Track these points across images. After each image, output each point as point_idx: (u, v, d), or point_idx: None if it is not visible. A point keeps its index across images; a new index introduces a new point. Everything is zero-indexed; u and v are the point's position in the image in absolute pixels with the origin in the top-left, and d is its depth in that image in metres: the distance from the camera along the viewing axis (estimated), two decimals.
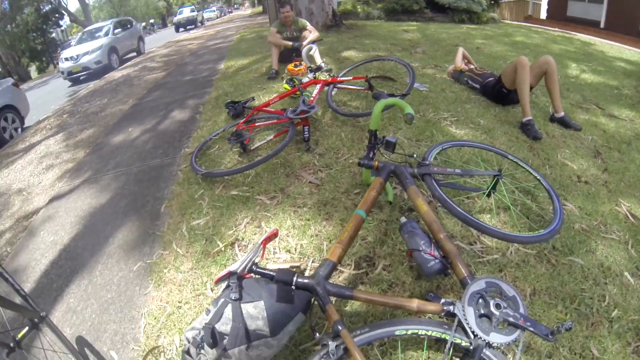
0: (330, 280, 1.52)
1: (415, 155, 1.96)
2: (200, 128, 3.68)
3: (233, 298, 1.35)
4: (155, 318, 1.85)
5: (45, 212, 3.15)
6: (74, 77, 11.25)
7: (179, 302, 1.88)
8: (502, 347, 1.53)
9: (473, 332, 1.27)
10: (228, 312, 1.34)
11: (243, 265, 1.44)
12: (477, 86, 3.77)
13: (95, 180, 3.42)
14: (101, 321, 1.96)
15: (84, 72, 10.99)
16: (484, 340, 1.25)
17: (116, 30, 12.09)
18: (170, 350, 1.68)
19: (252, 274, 1.46)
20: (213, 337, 1.27)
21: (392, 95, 2.68)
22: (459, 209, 1.76)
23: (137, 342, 1.78)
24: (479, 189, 2.18)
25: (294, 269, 1.79)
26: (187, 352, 1.40)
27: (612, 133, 3.21)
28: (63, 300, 2.15)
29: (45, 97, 10.49)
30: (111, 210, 2.87)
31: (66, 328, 1.96)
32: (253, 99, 3.55)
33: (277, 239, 2.03)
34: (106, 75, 8.84)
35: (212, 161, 2.98)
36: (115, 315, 1.98)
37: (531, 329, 1.26)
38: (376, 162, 1.94)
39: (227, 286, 1.41)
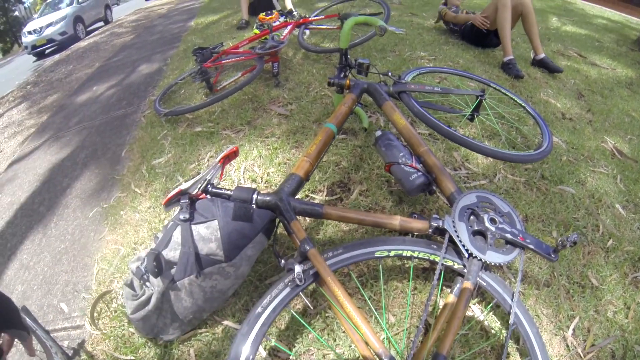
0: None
1: (390, 74, 1.80)
2: (166, 77, 3.46)
3: (182, 219, 1.17)
4: (108, 262, 1.69)
5: (4, 176, 2.94)
6: (39, 51, 10.56)
7: (134, 243, 1.72)
8: (498, 271, 1.43)
9: (467, 251, 1.12)
10: (177, 235, 1.16)
11: (197, 184, 1.26)
12: (457, 29, 3.58)
13: (56, 138, 3.21)
14: (53, 273, 1.80)
15: (49, 45, 10.32)
16: (480, 260, 1.11)
17: None
18: (122, 295, 1.51)
19: (207, 195, 1.28)
20: (158, 264, 1.08)
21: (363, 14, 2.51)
22: (443, 124, 1.60)
23: (89, 290, 1.62)
24: (461, 111, 2.03)
25: None
26: (130, 284, 1.22)
27: (594, 79, 3.12)
28: (16, 257, 1.99)
29: (8, 74, 9.86)
30: (70, 163, 2.68)
31: (17, 285, 1.81)
32: (222, 44, 3.31)
33: (242, 169, 1.87)
34: (72, 46, 8.36)
35: (177, 104, 2.78)
36: (67, 265, 1.82)
37: (532, 246, 1.13)
38: (347, 81, 1.77)
39: (180, 209, 1.23)
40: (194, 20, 5.68)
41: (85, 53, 6.74)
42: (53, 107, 4.18)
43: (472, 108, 1.89)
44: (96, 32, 9.11)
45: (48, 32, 10.24)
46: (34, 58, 10.91)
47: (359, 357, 1.18)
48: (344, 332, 1.23)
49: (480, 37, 3.27)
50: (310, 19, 3.30)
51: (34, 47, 10.48)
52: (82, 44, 8.16)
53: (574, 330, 1.31)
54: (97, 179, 2.33)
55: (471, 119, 1.97)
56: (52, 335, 1.34)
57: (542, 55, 3.09)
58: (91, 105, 3.63)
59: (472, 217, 1.20)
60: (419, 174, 1.37)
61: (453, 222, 1.17)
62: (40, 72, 6.80)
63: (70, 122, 3.41)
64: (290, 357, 1.22)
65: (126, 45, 5.86)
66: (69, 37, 10.25)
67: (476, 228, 1.16)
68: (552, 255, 1.12)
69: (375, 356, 0.98)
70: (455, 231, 1.15)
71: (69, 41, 9.96)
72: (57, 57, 7.86)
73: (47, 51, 10.56)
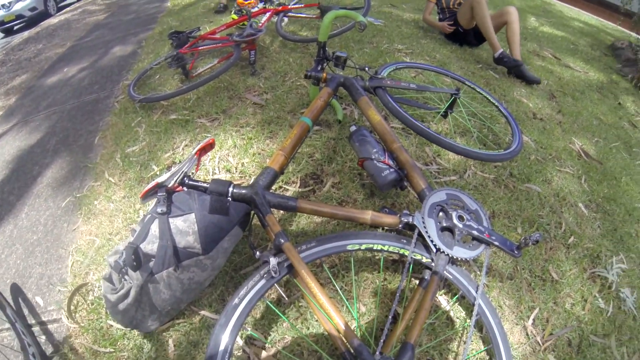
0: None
1: (367, 69, 1.82)
2: (141, 61, 3.36)
3: (160, 212, 1.18)
4: (83, 254, 1.67)
5: None
6: (7, 27, 10.07)
7: (109, 233, 1.71)
8: (464, 264, 1.49)
9: (435, 246, 1.18)
10: (154, 228, 1.17)
11: (173, 177, 1.26)
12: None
13: (25, 123, 3.08)
14: (26, 266, 1.77)
15: (18, 21, 9.84)
16: (447, 254, 1.17)
17: None
18: (98, 287, 1.51)
19: (183, 187, 1.29)
20: (136, 257, 1.10)
21: (343, 8, 2.48)
22: (416, 122, 1.63)
23: (64, 283, 1.61)
24: (435, 108, 2.07)
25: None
26: (109, 278, 1.22)
27: (567, 81, 3.19)
28: None
29: None
30: (40, 150, 2.60)
31: None
32: (199, 29, 3.24)
33: (217, 159, 1.87)
34: (42, 23, 8.00)
35: (152, 90, 2.72)
36: (41, 257, 1.79)
37: (497, 243, 1.20)
38: (324, 74, 1.78)
39: (157, 202, 1.23)
40: (171, 1, 5.51)
41: (56, 31, 6.46)
42: (21, 88, 4.00)
43: (447, 106, 1.93)
44: (68, 9, 8.72)
45: (17, 7, 9.75)
46: (2, 35, 10.37)
47: (331, 344, 1.23)
48: (317, 320, 1.28)
49: (459, 35, 3.27)
50: (289, 6, 3.25)
51: (2, 23, 9.94)
52: (52, 21, 7.81)
53: (533, 320, 1.39)
54: (69, 167, 2.28)
55: (445, 116, 2.01)
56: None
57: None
58: (62, 88, 3.50)
59: (441, 214, 1.25)
60: (391, 170, 1.40)
61: (422, 218, 1.22)
62: (7, 51, 6.47)
63: (39, 106, 3.29)
64: (266, 345, 1.25)
65: (99, 24, 5.64)
66: (39, 13, 9.81)
67: (444, 224, 1.22)
68: (516, 252, 1.19)
69: (347, 343, 1.03)
70: (425, 227, 1.20)
71: (39, 17, 9.52)
72: (26, 34, 7.47)
73: (15, 28, 10.07)
